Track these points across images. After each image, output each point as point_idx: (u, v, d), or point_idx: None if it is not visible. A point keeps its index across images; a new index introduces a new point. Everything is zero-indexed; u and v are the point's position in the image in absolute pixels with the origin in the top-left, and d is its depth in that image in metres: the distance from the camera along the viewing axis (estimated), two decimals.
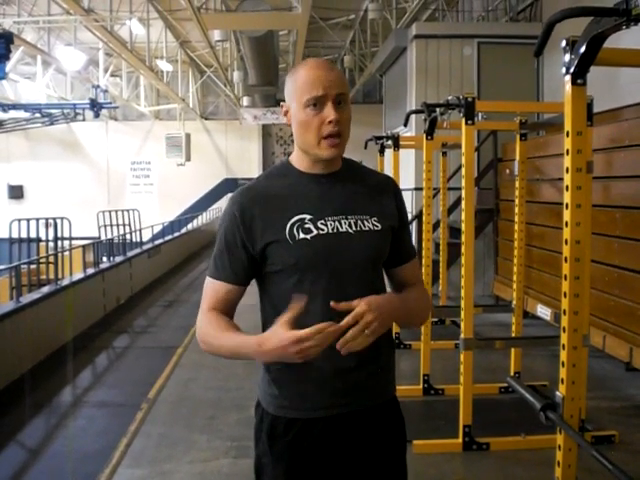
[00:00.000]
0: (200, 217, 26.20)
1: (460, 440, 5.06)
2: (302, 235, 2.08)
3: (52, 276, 10.77)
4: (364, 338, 1.92)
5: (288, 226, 2.08)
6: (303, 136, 2.11)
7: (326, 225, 2.10)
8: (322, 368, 2.06)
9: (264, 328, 2.13)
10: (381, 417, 2.21)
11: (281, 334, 1.90)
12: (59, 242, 12.56)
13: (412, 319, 2.37)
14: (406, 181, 10.97)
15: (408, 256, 2.33)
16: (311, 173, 2.18)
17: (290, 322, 1.90)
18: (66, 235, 12.89)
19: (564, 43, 2.56)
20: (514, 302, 6.48)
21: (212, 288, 2.18)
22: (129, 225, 18.14)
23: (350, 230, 2.12)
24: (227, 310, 2.18)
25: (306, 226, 2.09)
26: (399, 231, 2.27)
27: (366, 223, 2.15)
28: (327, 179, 2.18)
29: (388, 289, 2.30)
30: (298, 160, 2.20)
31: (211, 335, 2.12)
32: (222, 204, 29.66)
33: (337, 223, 2.12)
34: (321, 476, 2.16)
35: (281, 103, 2.23)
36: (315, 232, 2.09)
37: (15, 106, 20.76)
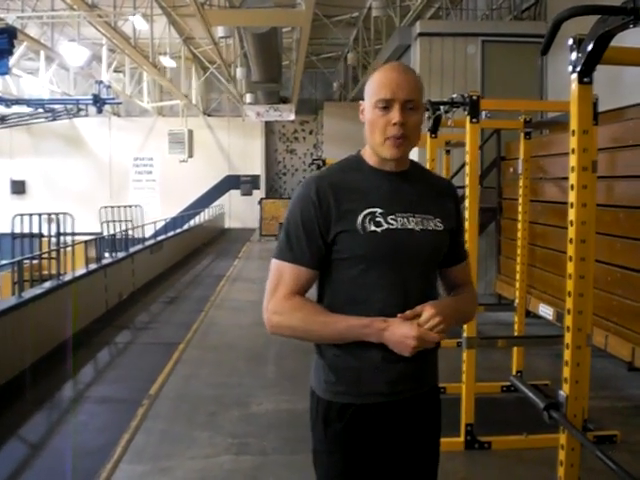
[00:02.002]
0: (202, 214, 26.18)
1: (462, 439, 5.06)
2: (373, 227, 2.18)
3: (54, 271, 10.75)
4: (433, 338, 2.13)
5: (360, 217, 2.18)
6: (371, 135, 2.24)
7: (396, 220, 2.21)
8: (376, 357, 2.19)
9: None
10: (425, 404, 2.35)
11: (412, 322, 2.12)
12: (61, 237, 12.56)
13: (464, 319, 2.60)
14: None
15: (461, 257, 2.49)
16: (382, 170, 2.28)
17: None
18: (68, 231, 12.90)
19: (571, 41, 2.55)
20: (516, 301, 6.48)
21: (290, 272, 2.21)
22: (131, 221, 18.13)
23: (416, 228, 2.24)
24: (304, 295, 2.25)
25: (377, 219, 2.19)
26: (456, 233, 2.41)
27: (430, 223, 2.28)
28: (397, 177, 2.29)
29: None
30: (370, 156, 2.30)
31: (308, 320, 2.19)
32: (224, 201, 29.71)
33: (405, 220, 2.23)
34: (374, 460, 2.26)
35: (360, 102, 2.31)
36: (385, 226, 2.19)
37: (18, 101, 20.71)
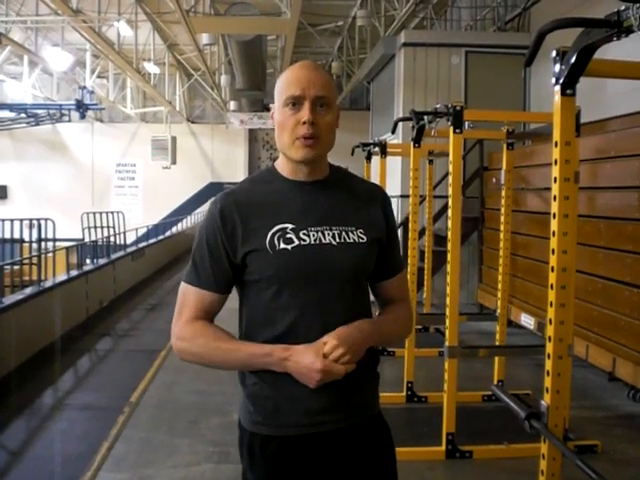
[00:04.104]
0: (185, 220, 26.11)
1: (443, 448, 5.06)
2: (283, 245, 2.01)
3: (35, 277, 10.70)
4: (338, 370, 1.95)
5: (269, 235, 2.02)
6: (280, 137, 2.07)
7: (308, 235, 2.03)
8: (295, 386, 2.00)
9: (242, 338, 2.11)
10: (360, 436, 2.12)
11: (318, 351, 1.95)
12: (42, 243, 12.49)
13: (388, 341, 2.29)
14: (392, 188, 10.95)
15: (394, 270, 2.27)
16: (295, 180, 2.11)
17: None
18: (50, 236, 12.82)
19: (554, 53, 2.57)
20: (498, 311, 6.50)
21: (194, 296, 2.09)
22: (113, 227, 18.05)
23: (333, 241, 2.05)
24: (210, 320, 2.11)
25: (287, 236, 2.02)
26: (386, 244, 2.20)
27: (351, 235, 2.09)
28: (311, 187, 2.11)
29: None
30: (282, 166, 2.13)
31: (209, 346, 2.04)
32: (207, 208, 29.57)
33: (320, 234, 2.05)
34: None
35: (270, 105, 2.17)
36: (296, 242, 2.02)
37: (1, 106, 20.66)
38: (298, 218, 2.05)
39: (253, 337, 2.07)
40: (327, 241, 2.05)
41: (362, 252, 2.10)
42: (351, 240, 2.08)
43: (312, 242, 2.03)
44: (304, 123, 2.00)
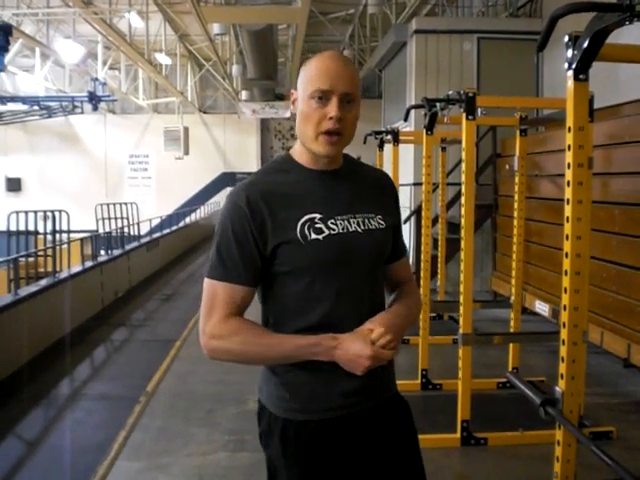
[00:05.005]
0: (198, 211, 26.16)
1: (458, 435, 5.07)
2: (314, 235, 2.01)
3: (50, 269, 10.75)
4: (386, 355, 2.00)
5: (299, 226, 2.01)
6: (303, 128, 2.05)
7: (336, 224, 2.05)
8: (329, 371, 2.03)
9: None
10: (386, 413, 2.19)
11: (365, 338, 1.98)
12: (57, 235, 12.55)
13: (412, 324, 2.36)
14: (405, 176, 10.96)
15: (402, 253, 2.35)
16: (315, 169, 2.11)
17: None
18: (64, 228, 12.87)
19: (567, 38, 2.55)
20: (512, 298, 6.49)
21: (225, 291, 2.03)
22: (127, 218, 18.11)
23: (359, 229, 2.09)
24: (242, 315, 2.08)
25: (317, 226, 2.02)
26: (396, 228, 2.28)
27: (372, 222, 2.13)
28: (331, 176, 2.12)
29: None
30: (300, 154, 2.13)
31: (249, 342, 2.03)
32: (220, 198, 29.69)
33: (346, 222, 2.07)
34: (337, 474, 2.12)
35: (292, 90, 2.13)
36: (326, 232, 2.03)
37: (13, 98, 20.72)
38: (324, 207, 2.06)
39: (282, 329, 2.07)
40: (353, 229, 2.08)
41: (384, 238, 2.16)
42: (373, 227, 2.12)
43: (340, 231, 2.05)
44: (330, 119, 1.99)
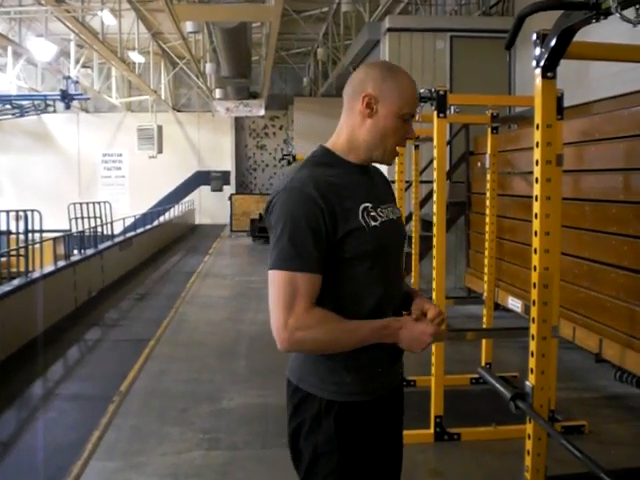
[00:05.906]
0: (172, 210, 26.05)
1: (432, 431, 5.11)
2: (373, 222, 2.15)
3: (22, 269, 10.65)
4: (442, 332, 2.20)
5: (360, 214, 2.14)
6: (382, 140, 2.21)
7: (383, 212, 2.21)
8: (376, 353, 2.17)
9: None
10: (399, 395, 2.40)
11: (423, 320, 2.17)
12: (29, 235, 12.44)
13: None
14: None
15: None
16: (357, 164, 2.25)
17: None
18: (37, 227, 12.76)
19: (534, 37, 2.58)
20: (485, 294, 6.53)
21: (305, 282, 2.06)
22: (100, 218, 17.97)
23: (394, 217, 2.28)
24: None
25: (372, 214, 2.17)
26: None
27: (396, 211, 2.34)
28: (365, 170, 2.30)
29: None
30: (348, 152, 2.24)
31: (337, 329, 2.10)
32: (194, 196, 29.63)
33: (387, 211, 2.24)
34: (374, 451, 2.26)
35: (369, 91, 2.18)
36: (379, 219, 2.18)
37: None
38: (370, 197, 2.21)
39: (343, 314, 2.12)
40: (392, 217, 2.27)
41: (404, 226, 2.42)
42: (398, 216, 2.34)
43: (386, 219, 2.22)
44: (409, 138, 2.28)
